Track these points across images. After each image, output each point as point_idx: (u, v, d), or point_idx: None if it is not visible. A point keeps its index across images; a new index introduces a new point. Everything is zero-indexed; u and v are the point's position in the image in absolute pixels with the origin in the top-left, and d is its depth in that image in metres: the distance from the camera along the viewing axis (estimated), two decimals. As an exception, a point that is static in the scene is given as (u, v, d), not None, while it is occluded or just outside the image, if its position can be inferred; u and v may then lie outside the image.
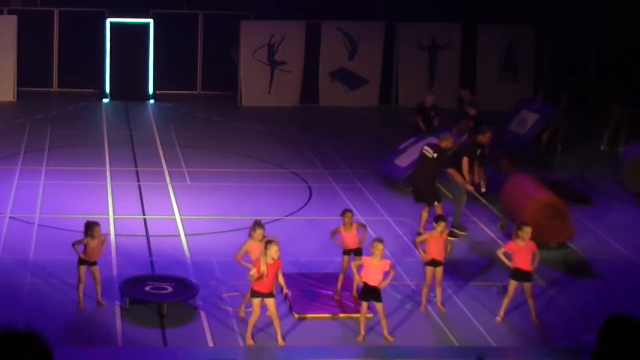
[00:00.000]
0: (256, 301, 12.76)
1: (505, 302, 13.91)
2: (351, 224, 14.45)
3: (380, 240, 13.31)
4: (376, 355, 13.08)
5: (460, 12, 27.90)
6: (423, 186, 17.18)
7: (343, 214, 14.50)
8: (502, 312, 13.95)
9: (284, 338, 13.02)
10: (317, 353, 12.95)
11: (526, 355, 13.28)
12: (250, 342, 12.92)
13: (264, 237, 13.43)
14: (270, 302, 12.76)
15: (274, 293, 12.87)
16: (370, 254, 13.25)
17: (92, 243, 13.81)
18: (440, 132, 18.88)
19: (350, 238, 14.40)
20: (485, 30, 28.24)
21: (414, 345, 13.23)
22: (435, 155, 17.10)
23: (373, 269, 13.09)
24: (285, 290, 13.35)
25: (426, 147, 17.40)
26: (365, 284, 13.14)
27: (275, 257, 12.63)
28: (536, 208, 16.67)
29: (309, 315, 13.92)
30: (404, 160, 19.94)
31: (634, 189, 20.05)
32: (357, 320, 13.67)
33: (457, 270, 15.63)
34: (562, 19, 27.86)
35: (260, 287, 12.73)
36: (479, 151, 18.02)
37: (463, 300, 14.66)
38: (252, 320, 12.90)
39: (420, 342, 13.40)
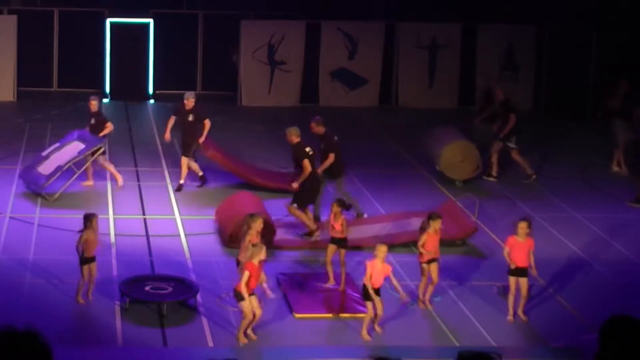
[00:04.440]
0: (245, 304, 12.80)
1: (511, 299, 13.94)
2: (340, 217, 14.75)
3: (384, 243, 13.46)
4: (376, 355, 13.05)
5: (460, 12, 27.86)
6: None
7: (333, 205, 14.88)
8: (511, 311, 13.95)
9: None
10: (317, 353, 12.94)
11: (526, 355, 13.27)
12: (253, 338, 12.96)
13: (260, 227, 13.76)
14: (253, 299, 12.86)
15: (255, 293, 12.99)
16: (374, 257, 13.29)
17: (92, 235, 13.86)
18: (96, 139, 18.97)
19: (338, 228, 14.70)
20: (485, 30, 28.20)
21: (414, 345, 13.23)
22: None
23: (377, 273, 13.16)
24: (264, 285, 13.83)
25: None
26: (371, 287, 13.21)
27: (256, 264, 12.72)
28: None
29: (309, 315, 13.93)
30: (47, 167, 18.82)
31: (448, 174, 20.11)
32: (357, 320, 13.70)
33: (457, 270, 15.63)
34: (562, 19, 27.83)
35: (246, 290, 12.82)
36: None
37: (463, 300, 14.66)
38: (249, 324, 12.96)
39: (420, 342, 13.40)
